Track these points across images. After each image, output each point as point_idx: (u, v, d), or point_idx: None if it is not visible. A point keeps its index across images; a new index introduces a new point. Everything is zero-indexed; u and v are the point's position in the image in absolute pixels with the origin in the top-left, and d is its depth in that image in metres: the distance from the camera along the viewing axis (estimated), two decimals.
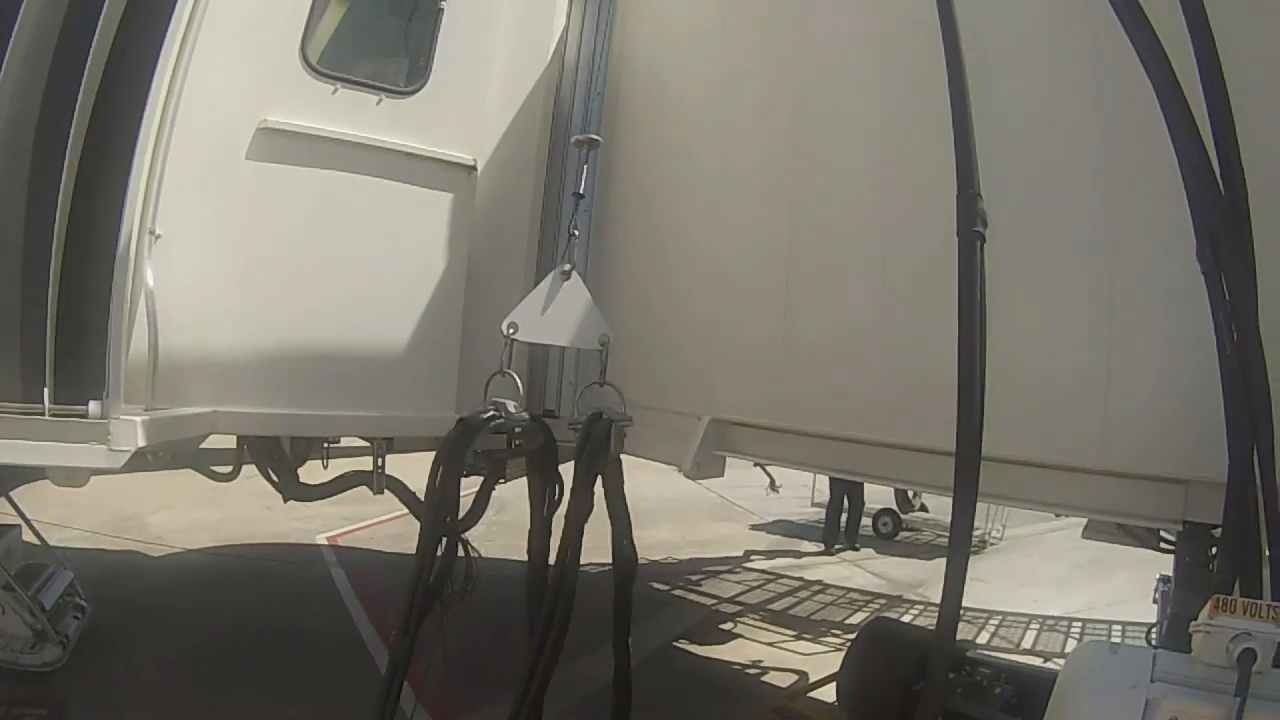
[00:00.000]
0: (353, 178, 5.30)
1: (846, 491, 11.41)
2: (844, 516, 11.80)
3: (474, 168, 5.66)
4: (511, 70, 5.91)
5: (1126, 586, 6.35)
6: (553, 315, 4.18)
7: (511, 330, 4.07)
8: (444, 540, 3.93)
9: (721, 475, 5.61)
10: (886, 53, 4.61)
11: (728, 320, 5.29)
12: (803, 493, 12.69)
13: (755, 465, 7.21)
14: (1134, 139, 3.65)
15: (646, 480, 7.34)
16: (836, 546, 11.60)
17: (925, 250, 3.71)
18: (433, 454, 5.99)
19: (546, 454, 4.44)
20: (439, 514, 3.80)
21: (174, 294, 4.60)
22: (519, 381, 4.10)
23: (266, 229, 5.05)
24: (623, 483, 3.85)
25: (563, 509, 3.97)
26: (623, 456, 6.42)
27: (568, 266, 4.20)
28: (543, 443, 4.46)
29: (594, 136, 4.69)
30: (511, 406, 4.02)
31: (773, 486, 9.46)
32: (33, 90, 4.35)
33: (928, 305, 3.69)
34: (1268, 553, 2.96)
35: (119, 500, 8.70)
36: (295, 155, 5.09)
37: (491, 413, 3.94)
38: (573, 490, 3.86)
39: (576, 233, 4.39)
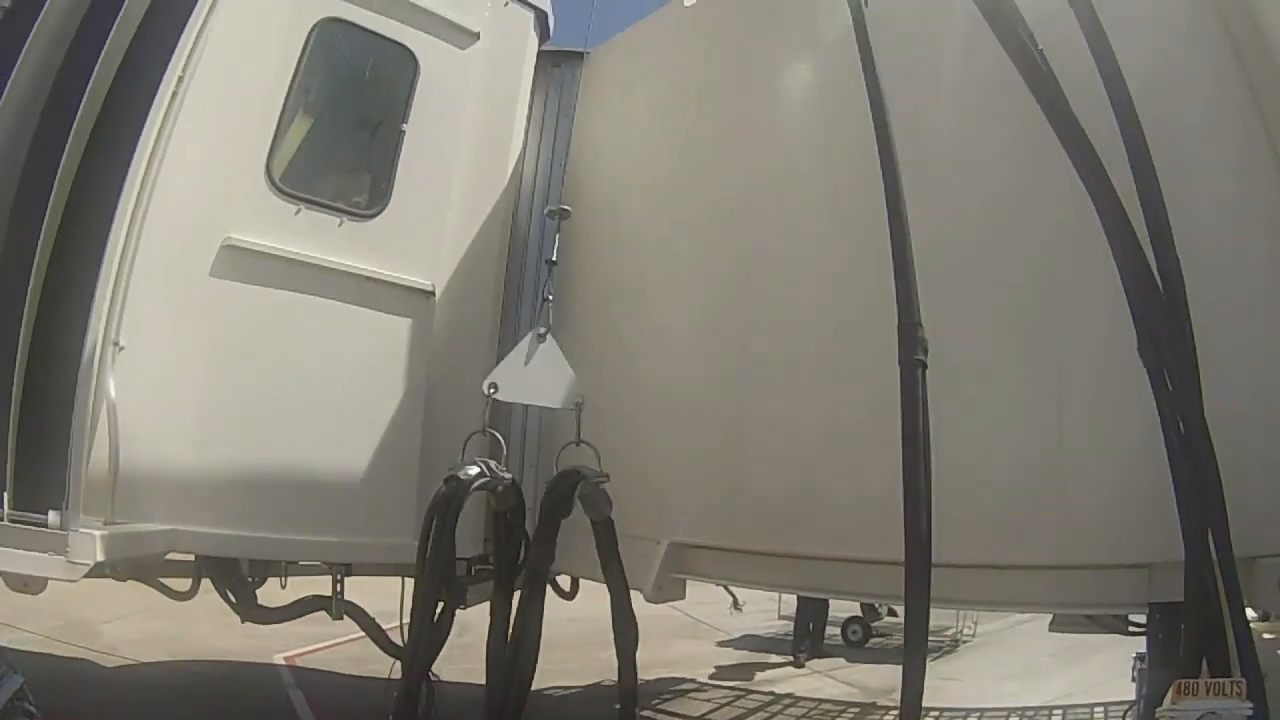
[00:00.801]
0: (313, 300, 5.35)
1: (811, 603, 11.28)
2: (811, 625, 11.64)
3: (432, 293, 5.75)
4: (470, 194, 6.05)
5: (1103, 669, 6.33)
6: (531, 376, 4.32)
7: (492, 390, 4.22)
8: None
9: (683, 598, 5.56)
10: (831, 192, 4.83)
11: (681, 447, 5.31)
12: (769, 606, 12.52)
13: (719, 585, 7.15)
14: (1073, 241, 3.85)
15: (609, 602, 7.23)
16: (802, 654, 11.41)
17: (875, 378, 3.81)
18: (394, 578, 5.91)
19: (516, 513, 4.47)
20: (436, 571, 3.76)
21: (136, 407, 4.57)
22: (502, 441, 4.17)
23: (228, 346, 5.06)
24: (615, 543, 3.98)
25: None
26: (581, 581, 6.38)
27: (543, 330, 4.34)
28: (514, 503, 4.48)
29: (565, 207, 4.86)
30: (493, 465, 4.14)
31: (736, 605, 9.36)
32: (1, 199, 4.42)
33: (878, 428, 3.76)
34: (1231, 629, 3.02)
35: (72, 604, 8.30)
36: (258, 274, 5.14)
37: (479, 469, 3.96)
38: (534, 540, 3.87)
39: (550, 297, 4.52)
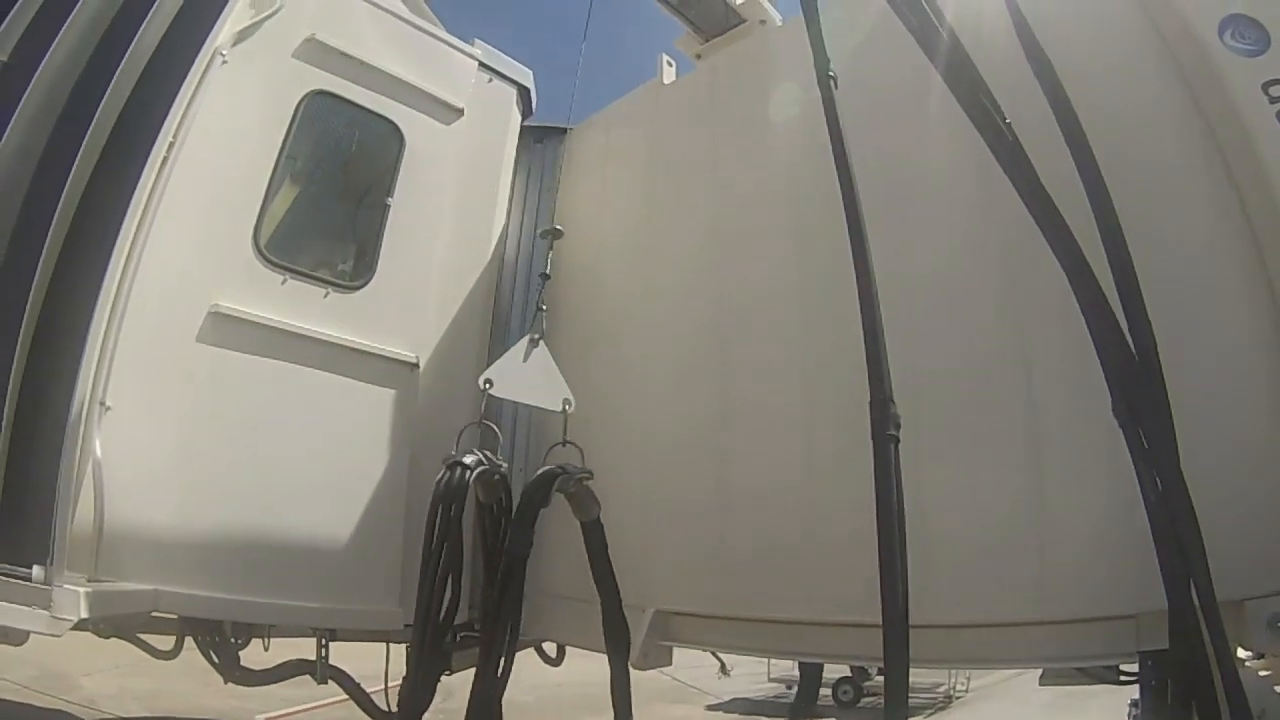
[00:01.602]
0: (298, 369, 5.38)
1: (809, 664, 11.20)
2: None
3: (416, 365, 5.81)
4: (454, 266, 6.16)
5: (1099, 716, 6.27)
6: (524, 376, 4.46)
7: (487, 385, 4.33)
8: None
9: (670, 664, 5.54)
10: (802, 256, 4.98)
11: (662, 509, 5.34)
12: (758, 669, 12.39)
13: (706, 651, 7.06)
14: (1044, 299, 3.96)
15: (594, 666, 7.14)
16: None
17: (849, 437, 3.85)
18: (379, 644, 5.85)
19: (503, 506, 4.53)
20: (446, 562, 3.91)
21: (121, 466, 4.56)
22: (498, 431, 4.27)
23: (213, 410, 5.07)
24: (605, 545, 4.02)
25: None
26: (567, 648, 6.32)
27: (537, 335, 4.56)
28: (502, 495, 4.56)
29: (557, 227, 5.15)
30: (489, 455, 4.30)
31: (723, 669, 9.23)
32: None
33: (854, 489, 3.80)
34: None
35: (51, 655, 8.09)
36: (243, 342, 5.18)
37: (477, 457, 4.12)
38: (512, 523, 3.88)
39: (544, 307, 4.73)
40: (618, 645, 3.85)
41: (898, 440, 3.38)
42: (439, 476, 4.18)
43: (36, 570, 4.11)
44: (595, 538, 3.99)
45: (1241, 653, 3.49)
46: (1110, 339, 3.43)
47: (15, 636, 4.42)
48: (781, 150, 5.34)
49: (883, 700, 9.58)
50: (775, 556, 4.76)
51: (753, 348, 5.15)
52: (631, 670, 4.70)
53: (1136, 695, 4.30)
